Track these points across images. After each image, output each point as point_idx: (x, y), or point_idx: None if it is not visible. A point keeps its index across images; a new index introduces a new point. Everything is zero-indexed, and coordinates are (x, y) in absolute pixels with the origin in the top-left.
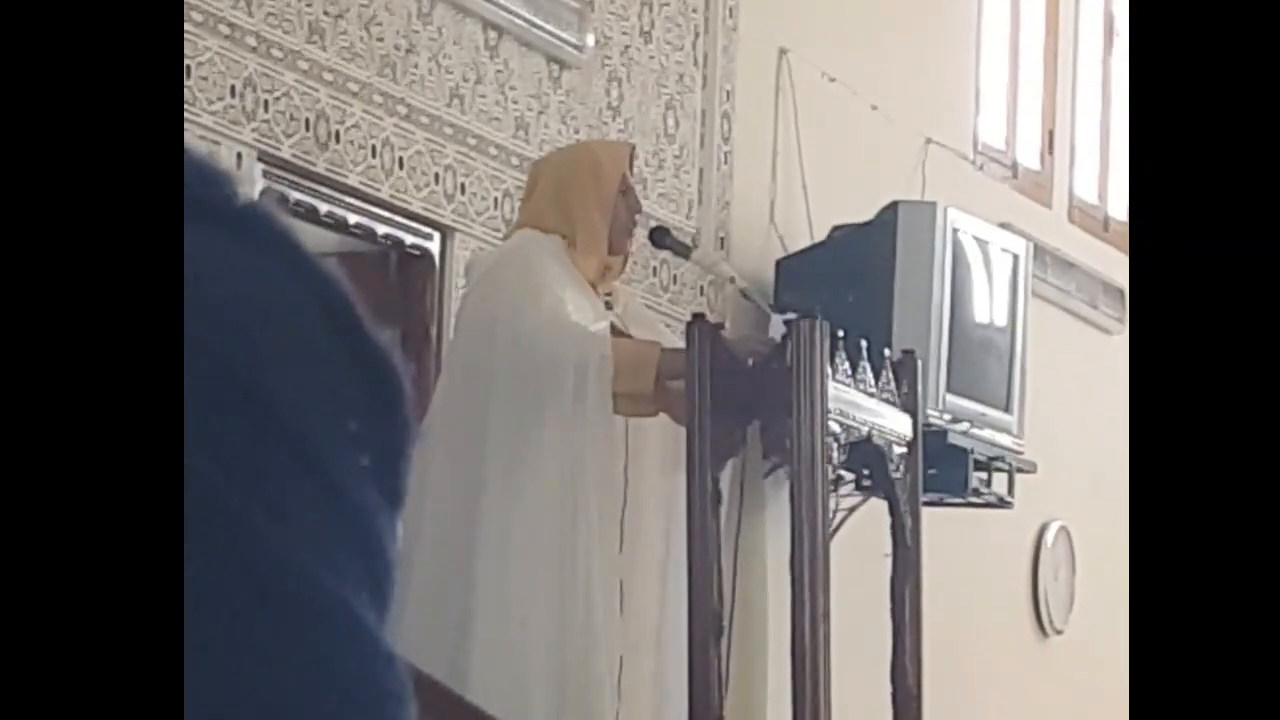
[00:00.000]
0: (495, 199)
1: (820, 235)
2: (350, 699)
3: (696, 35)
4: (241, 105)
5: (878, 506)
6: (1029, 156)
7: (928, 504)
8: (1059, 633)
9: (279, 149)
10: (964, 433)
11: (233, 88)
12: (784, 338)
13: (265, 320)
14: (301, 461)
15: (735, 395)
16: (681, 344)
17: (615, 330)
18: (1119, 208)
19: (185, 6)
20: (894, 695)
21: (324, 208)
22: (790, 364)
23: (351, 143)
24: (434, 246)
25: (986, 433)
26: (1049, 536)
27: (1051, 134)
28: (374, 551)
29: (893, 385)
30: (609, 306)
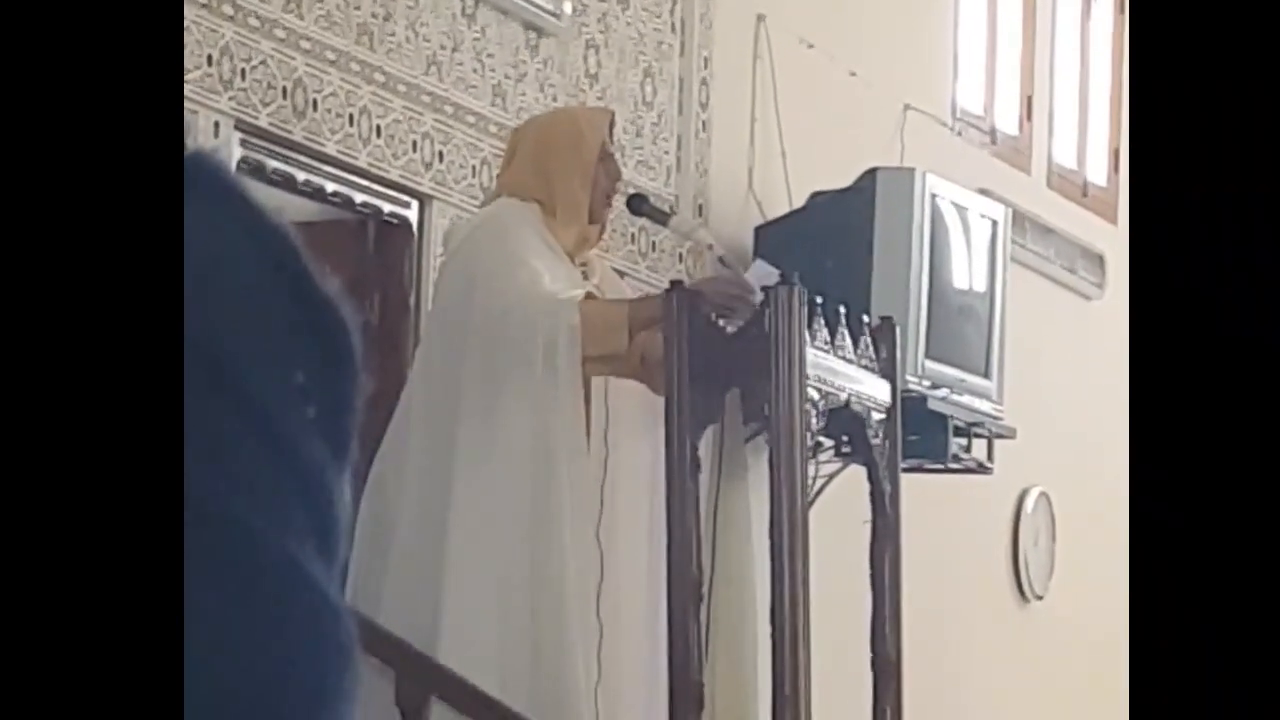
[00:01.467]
0: (473, 167)
1: (799, 202)
2: (297, 651)
3: (674, 2)
4: (219, 73)
5: (857, 473)
6: (1008, 122)
7: (907, 470)
8: (1039, 598)
9: (256, 117)
10: (943, 399)
11: (210, 56)
12: (763, 305)
13: (211, 272)
14: (247, 414)
15: (714, 362)
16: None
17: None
18: (1098, 173)
19: None
20: (874, 662)
21: (301, 176)
22: (769, 331)
23: (329, 111)
24: (412, 214)
25: (966, 398)
26: (1029, 502)
27: (1030, 100)
28: (321, 504)
29: (871, 351)
30: (585, 277)
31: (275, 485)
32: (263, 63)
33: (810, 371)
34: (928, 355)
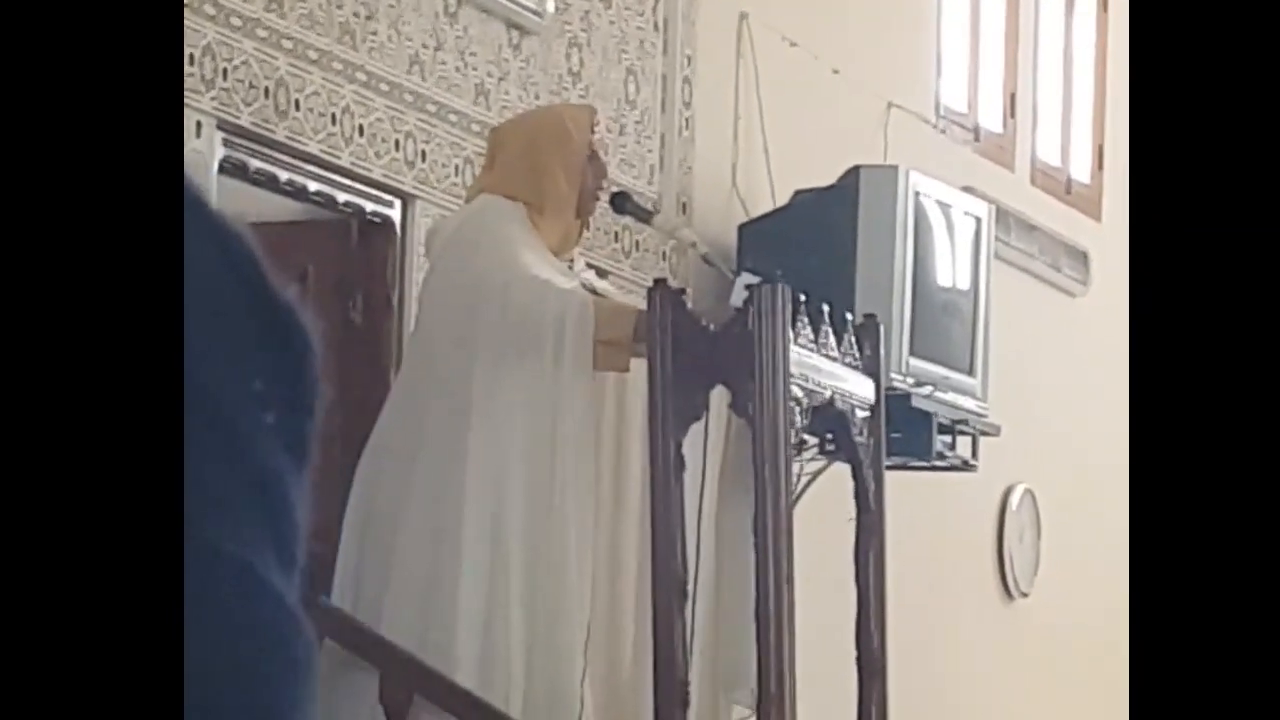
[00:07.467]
0: (456, 166)
1: (782, 200)
2: (255, 660)
3: (656, 0)
4: (200, 73)
5: (841, 471)
6: (991, 119)
7: (891, 468)
8: (1024, 595)
9: (238, 117)
10: (927, 396)
11: (191, 56)
12: (746, 302)
13: None
14: (205, 421)
15: (697, 360)
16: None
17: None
18: (1081, 170)
19: None
20: (859, 659)
21: (284, 175)
22: (752, 328)
23: (311, 110)
24: (395, 214)
25: (950, 396)
26: (1014, 499)
27: (1013, 97)
28: (279, 512)
29: (855, 349)
30: None
31: (233, 493)
32: (245, 62)
33: (794, 369)
34: (912, 353)
